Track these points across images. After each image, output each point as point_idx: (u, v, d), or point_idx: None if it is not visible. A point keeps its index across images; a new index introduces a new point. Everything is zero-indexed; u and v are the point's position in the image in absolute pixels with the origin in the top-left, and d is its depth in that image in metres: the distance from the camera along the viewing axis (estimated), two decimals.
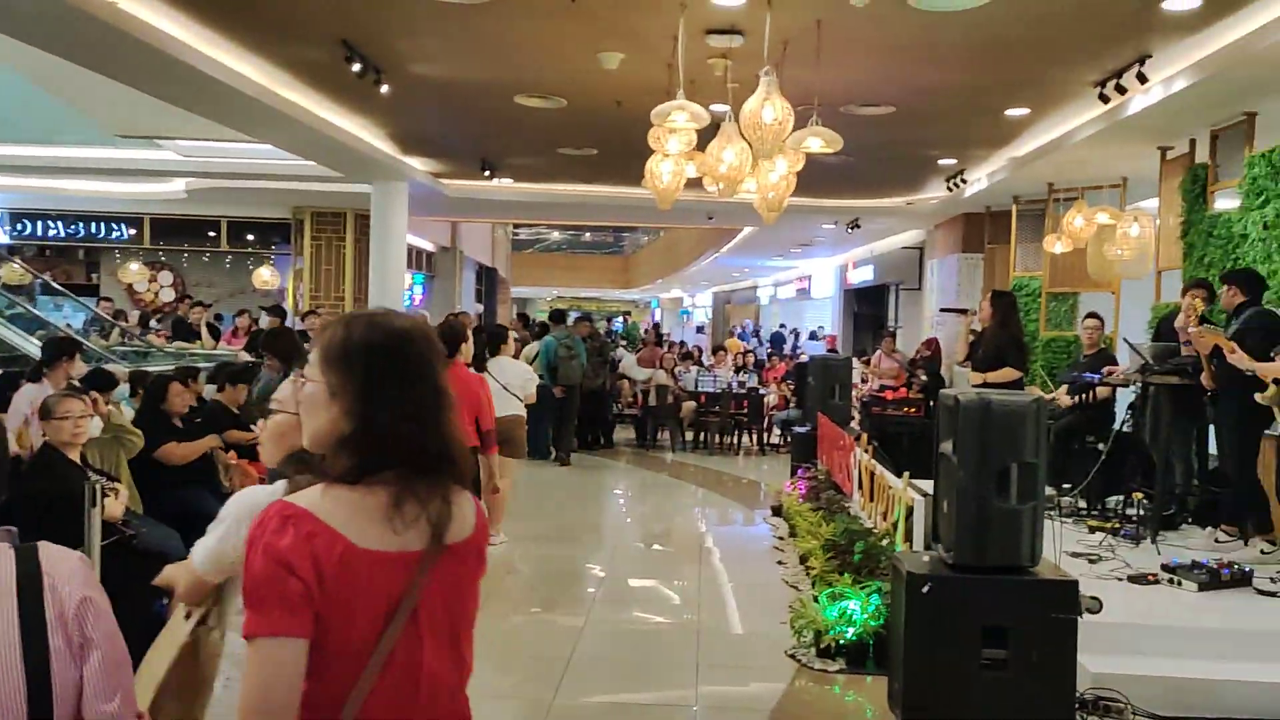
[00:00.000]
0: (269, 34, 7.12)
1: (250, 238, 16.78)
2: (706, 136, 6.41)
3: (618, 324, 29.75)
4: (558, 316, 13.18)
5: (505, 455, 7.51)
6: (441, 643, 1.66)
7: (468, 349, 6.15)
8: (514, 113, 9.14)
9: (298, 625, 1.52)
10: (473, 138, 10.73)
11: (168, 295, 16.95)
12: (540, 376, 10.13)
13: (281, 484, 2.06)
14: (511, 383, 7.80)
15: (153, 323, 13.90)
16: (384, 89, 7.98)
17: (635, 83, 7.84)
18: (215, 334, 12.97)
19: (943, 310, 10.86)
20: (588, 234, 45.72)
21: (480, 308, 21.10)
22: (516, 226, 32.36)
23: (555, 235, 46.15)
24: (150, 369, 8.08)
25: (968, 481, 4.06)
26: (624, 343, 19.40)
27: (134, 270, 16.28)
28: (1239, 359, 5.63)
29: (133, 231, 16.43)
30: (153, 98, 8.23)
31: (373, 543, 1.58)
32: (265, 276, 15.41)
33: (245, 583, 1.56)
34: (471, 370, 6.47)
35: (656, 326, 30.75)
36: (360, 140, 10.34)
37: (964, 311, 8.18)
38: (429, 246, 18.13)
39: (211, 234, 16.64)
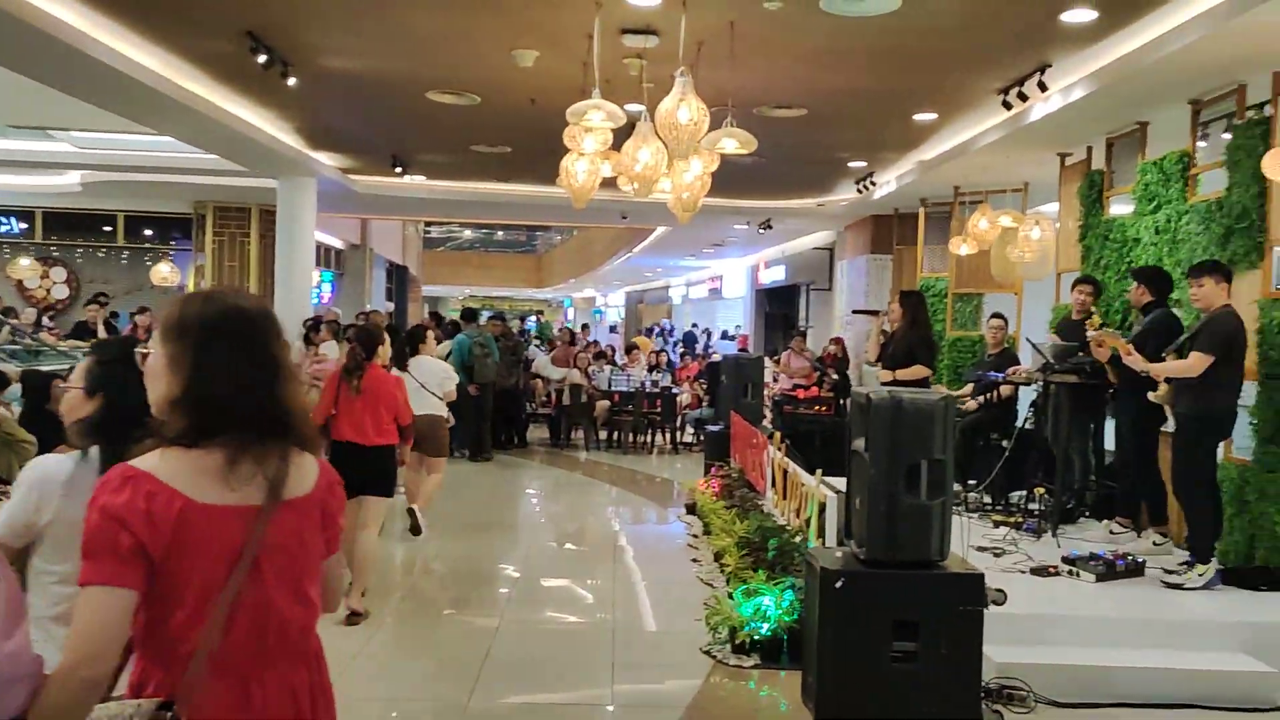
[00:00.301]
0: (171, 23, 6.89)
1: (149, 233, 16.24)
2: (622, 136, 6.41)
3: (530, 323, 29.58)
4: (469, 315, 13.23)
5: (428, 454, 7.72)
6: (287, 586, 1.83)
7: (385, 351, 6.20)
8: (426, 109, 9.01)
9: (127, 577, 1.68)
10: (384, 133, 10.56)
11: (61, 292, 16.27)
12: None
13: (72, 454, 2.42)
14: (429, 381, 7.83)
15: (45, 320, 13.36)
16: (291, 81, 7.80)
17: (550, 81, 7.80)
18: (113, 332, 12.52)
19: (855, 312, 11.06)
20: (500, 233, 45.36)
21: (391, 306, 20.78)
22: (428, 224, 31.95)
23: (467, 233, 45.66)
24: (44, 368, 7.76)
25: (879, 478, 4.15)
26: (536, 341, 19.31)
27: (25, 266, 15.57)
28: (1134, 361, 5.86)
29: (24, 225, 15.78)
30: (46, 86, 7.89)
31: (211, 498, 1.76)
32: (164, 273, 14.91)
33: (83, 536, 1.71)
34: (390, 370, 6.51)
35: (585, 327, 30.64)
36: (265, 134, 10.09)
37: (875, 313, 8.35)
38: (338, 244, 17.78)
39: (107, 229, 16.06)
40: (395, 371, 7.20)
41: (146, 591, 1.71)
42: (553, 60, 7.27)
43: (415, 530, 7.35)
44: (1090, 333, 6.41)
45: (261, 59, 7.25)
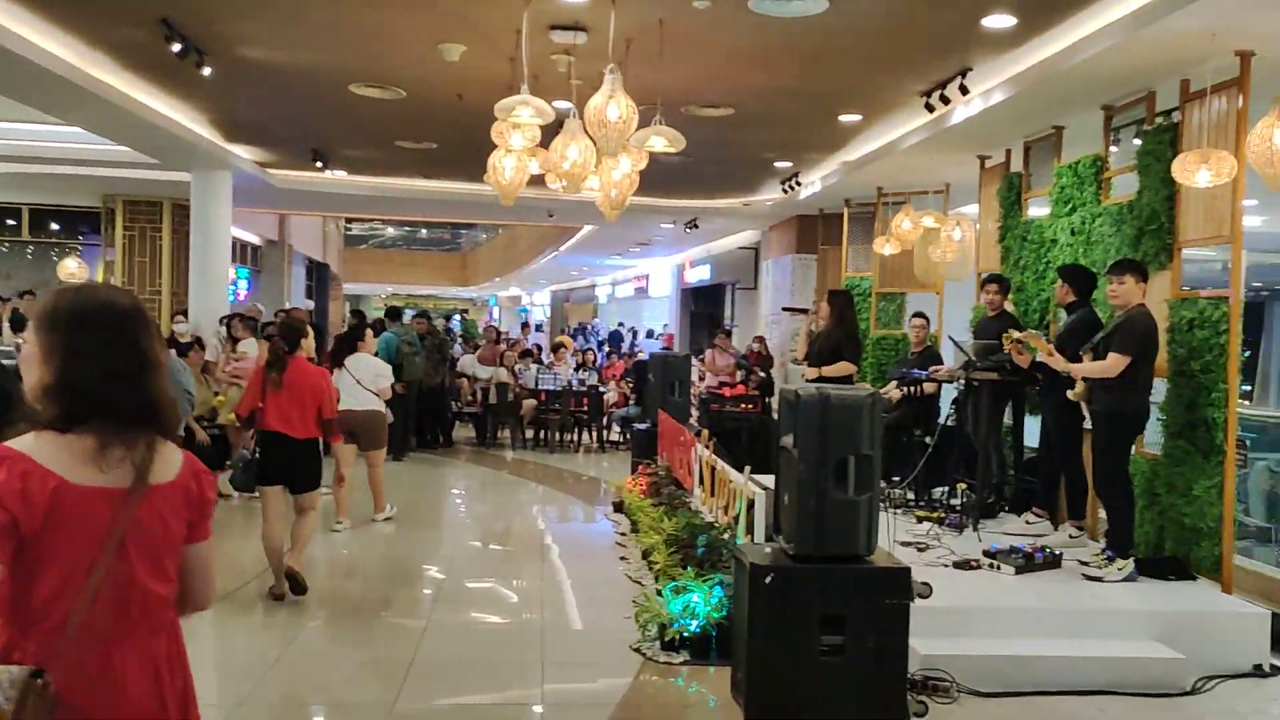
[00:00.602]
0: (82, 8, 6.65)
1: (55, 227, 15.70)
2: (550, 134, 6.37)
3: (455, 322, 29.27)
4: (394, 313, 13.25)
5: (365, 448, 8.16)
6: (149, 563, 1.97)
7: (308, 344, 6.29)
8: (349, 102, 8.85)
9: None
10: (304, 127, 10.33)
11: None
12: None
13: None
14: (364, 378, 8.14)
15: None
16: (206, 71, 7.59)
17: (477, 76, 7.72)
18: (20, 327, 12.06)
19: (785, 309, 11.16)
20: (424, 230, 44.87)
21: (311, 304, 20.40)
22: (349, 221, 31.43)
23: (390, 231, 45.05)
24: None
25: (808, 474, 4.18)
26: (462, 339, 19.13)
27: None
28: (1054, 361, 6.00)
29: None
30: None
31: (84, 480, 1.89)
32: (71, 268, 14.35)
33: None
34: (315, 364, 6.56)
35: (526, 326, 30.41)
36: (179, 125, 9.80)
37: (805, 311, 8.44)
38: (255, 240, 17.39)
39: (11, 222, 15.46)
40: (340, 367, 7.86)
41: (12, 565, 1.84)
42: (480, 55, 7.19)
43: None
44: (1009, 343, 6.56)
45: (176, 48, 7.04)
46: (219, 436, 9.08)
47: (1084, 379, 5.91)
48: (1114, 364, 5.59)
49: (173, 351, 9.42)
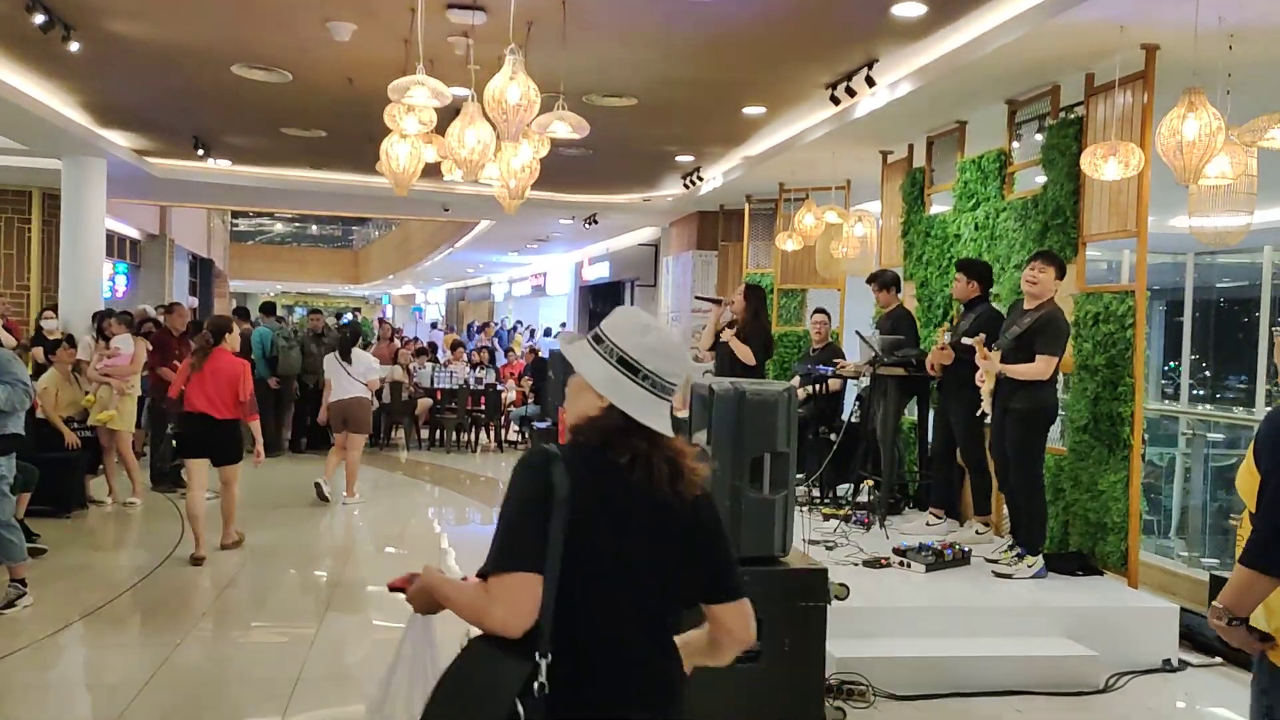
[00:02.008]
0: None
1: None
2: (445, 121, 6.05)
3: (346, 319, 28.42)
4: (268, 308, 13.20)
5: (352, 430, 9.40)
6: None
7: (233, 339, 7.26)
8: (231, 85, 8.35)
9: None
10: (183, 111, 9.74)
11: None
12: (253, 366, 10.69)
13: None
14: (356, 372, 9.47)
15: None
16: (74, 47, 7.04)
17: (369, 59, 7.35)
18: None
19: (698, 298, 11.05)
20: (315, 226, 43.65)
21: (195, 301, 19.51)
22: (235, 215, 30.27)
23: (279, 227, 43.71)
24: None
25: (722, 472, 3.98)
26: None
27: None
28: (989, 364, 5.79)
29: None
30: None
31: None
32: None
33: None
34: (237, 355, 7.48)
35: (486, 325, 29.52)
36: (45, 107, 9.14)
37: (719, 302, 8.29)
38: (134, 233, 16.52)
39: None
40: (335, 358, 9.51)
41: None
42: (372, 35, 6.83)
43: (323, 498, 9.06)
44: (940, 340, 6.47)
45: (39, 19, 6.51)
46: (90, 439, 8.49)
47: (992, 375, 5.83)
48: (1045, 367, 5.50)
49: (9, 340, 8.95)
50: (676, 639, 2.04)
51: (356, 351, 9.66)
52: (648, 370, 1.96)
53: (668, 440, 1.97)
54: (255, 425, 7.27)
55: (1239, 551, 2.37)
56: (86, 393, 8.60)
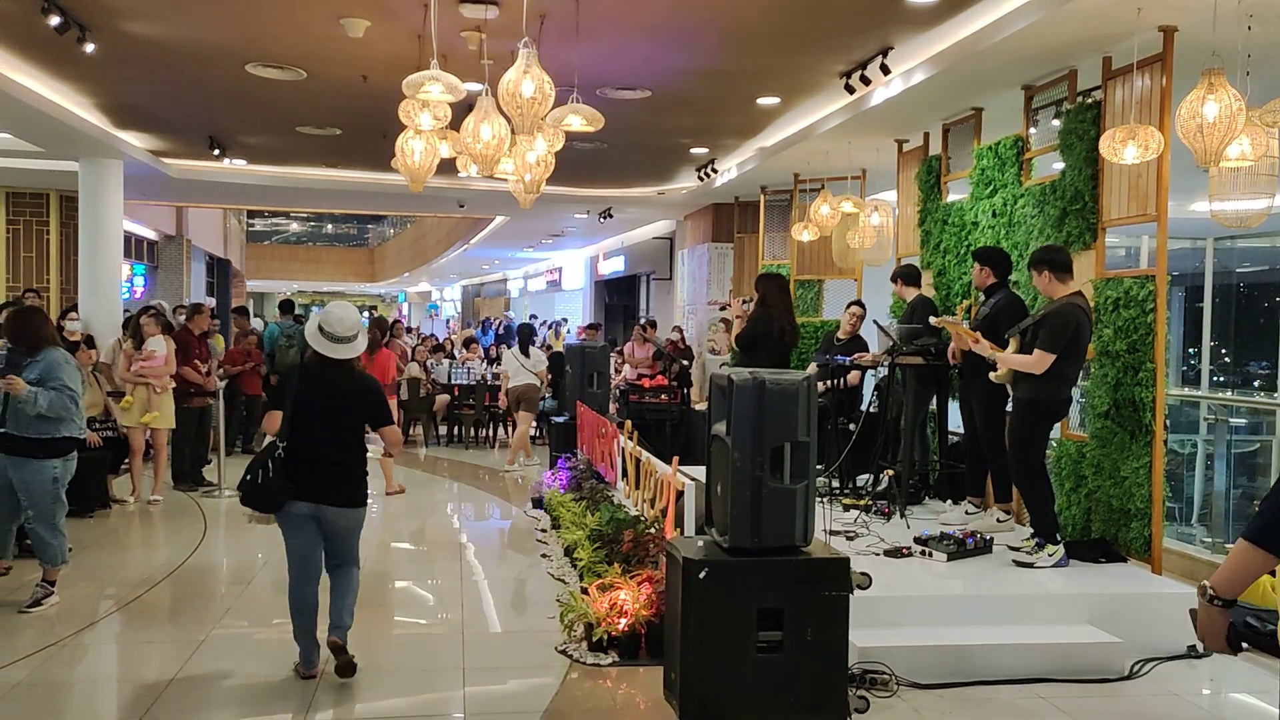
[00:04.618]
0: None
1: None
2: (460, 116, 6.06)
3: (365, 318, 28.52)
4: (287, 306, 13.40)
5: (524, 411, 11.36)
6: None
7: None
8: (246, 84, 8.38)
9: None
10: (199, 111, 9.78)
11: None
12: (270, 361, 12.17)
13: None
14: (531, 364, 11.32)
15: None
16: (89, 48, 7.08)
17: (383, 55, 7.36)
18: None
19: (710, 304, 11.17)
20: (330, 225, 43.82)
21: (212, 301, 19.63)
22: (251, 216, 30.42)
23: (295, 226, 43.89)
24: None
25: (743, 462, 3.98)
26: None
27: None
28: (981, 348, 5.87)
29: None
30: None
31: None
32: None
33: None
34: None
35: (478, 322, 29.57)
36: (62, 109, 9.20)
37: (724, 306, 8.29)
38: (150, 234, 16.64)
39: None
40: (515, 352, 11.50)
41: None
42: (385, 32, 6.84)
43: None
44: (934, 319, 6.45)
45: (54, 21, 6.55)
46: (113, 439, 8.55)
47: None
48: (1039, 361, 5.48)
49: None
50: None
51: (532, 350, 11.60)
52: (329, 330, 4.54)
53: (346, 360, 4.61)
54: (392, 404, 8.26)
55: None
56: (123, 394, 8.67)
